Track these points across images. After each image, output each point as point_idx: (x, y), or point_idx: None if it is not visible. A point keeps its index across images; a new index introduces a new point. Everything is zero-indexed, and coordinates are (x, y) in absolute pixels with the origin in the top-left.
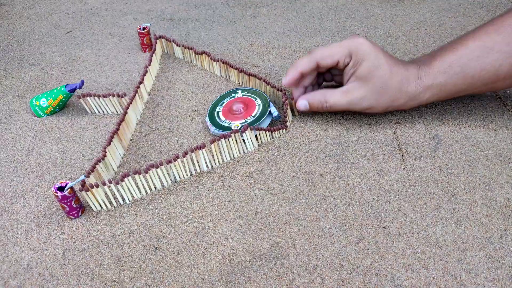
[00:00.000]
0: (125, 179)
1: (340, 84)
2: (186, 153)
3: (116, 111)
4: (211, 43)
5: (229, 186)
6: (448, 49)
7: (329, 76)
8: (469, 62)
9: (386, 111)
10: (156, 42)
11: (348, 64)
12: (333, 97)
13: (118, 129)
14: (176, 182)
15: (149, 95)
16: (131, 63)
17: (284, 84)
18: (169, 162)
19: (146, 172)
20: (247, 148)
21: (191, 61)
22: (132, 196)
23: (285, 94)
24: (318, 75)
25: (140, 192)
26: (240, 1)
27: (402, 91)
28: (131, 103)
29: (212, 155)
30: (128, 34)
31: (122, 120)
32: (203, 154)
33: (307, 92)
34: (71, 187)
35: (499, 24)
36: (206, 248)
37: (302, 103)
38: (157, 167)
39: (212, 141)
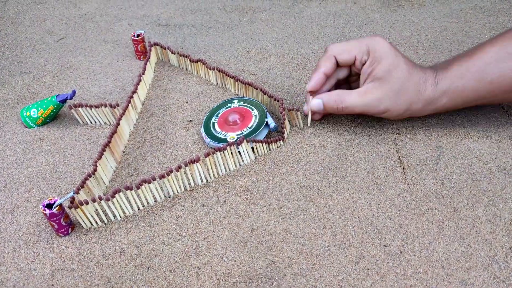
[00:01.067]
0: (116, 195)
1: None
2: (179, 167)
3: (109, 121)
4: (207, 50)
5: (225, 201)
6: (466, 54)
7: (346, 85)
8: (487, 66)
9: (403, 116)
10: (150, 50)
11: (365, 62)
12: (349, 98)
13: (109, 142)
14: (169, 197)
15: (143, 104)
16: (125, 71)
17: (309, 89)
18: (162, 176)
19: (138, 188)
20: (243, 161)
21: (186, 69)
22: (124, 212)
23: (282, 104)
24: (336, 85)
25: (132, 208)
26: (238, 6)
27: (420, 93)
28: (123, 114)
29: (207, 169)
30: (122, 41)
31: (114, 132)
32: (198, 168)
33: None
34: (60, 204)
35: None
36: (200, 268)
37: (316, 103)
38: (149, 182)
39: (207, 154)
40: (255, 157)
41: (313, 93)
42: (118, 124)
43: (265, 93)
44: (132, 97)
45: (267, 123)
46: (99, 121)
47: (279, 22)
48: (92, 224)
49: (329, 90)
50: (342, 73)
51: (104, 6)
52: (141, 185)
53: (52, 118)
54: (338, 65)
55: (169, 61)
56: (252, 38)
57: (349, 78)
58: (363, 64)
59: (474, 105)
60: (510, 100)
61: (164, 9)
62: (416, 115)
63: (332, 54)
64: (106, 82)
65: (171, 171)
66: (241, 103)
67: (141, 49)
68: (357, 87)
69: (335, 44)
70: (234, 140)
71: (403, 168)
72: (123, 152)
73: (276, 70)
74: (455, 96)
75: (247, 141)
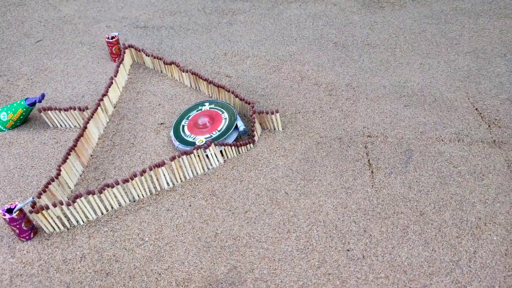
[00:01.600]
0: (78, 200)
1: None
2: (144, 171)
3: (79, 124)
4: (184, 52)
5: (190, 206)
6: None
7: None
8: None
9: None
10: (124, 52)
11: None
12: None
13: (75, 146)
14: (134, 201)
15: (114, 107)
16: (99, 73)
17: None
18: (126, 181)
19: (100, 192)
20: (211, 165)
21: (161, 71)
22: (87, 217)
23: (253, 107)
24: None
25: (95, 213)
26: (217, 8)
27: None
28: (91, 117)
29: (173, 173)
30: (99, 43)
31: (81, 135)
32: (163, 172)
33: None
34: (21, 209)
35: None
36: (160, 274)
37: None
38: (112, 187)
39: (172, 158)
40: (224, 160)
41: None
42: (85, 127)
43: (236, 96)
44: (102, 100)
45: (236, 126)
46: (69, 124)
47: (258, 24)
48: (54, 229)
49: None
50: None
51: (84, 8)
52: (104, 189)
53: (23, 121)
54: None
55: (144, 63)
56: (230, 40)
57: None
58: None
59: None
60: None
61: (143, 11)
62: None
63: None
64: (79, 84)
65: (135, 175)
66: (212, 105)
67: (116, 51)
68: None
69: None
70: (202, 143)
71: (372, 171)
72: (91, 155)
73: (252, 72)
74: None
75: (215, 145)
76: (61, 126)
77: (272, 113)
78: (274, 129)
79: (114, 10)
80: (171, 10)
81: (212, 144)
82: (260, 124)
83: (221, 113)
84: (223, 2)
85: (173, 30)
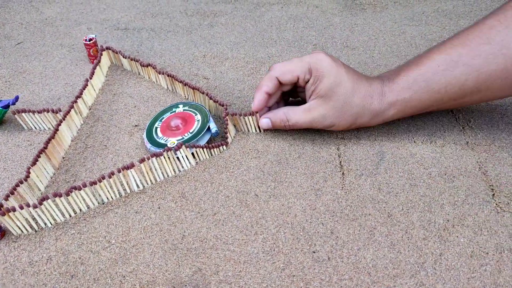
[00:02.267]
0: (45, 202)
1: (304, 101)
2: (112, 173)
3: (53, 126)
4: (163, 54)
5: (159, 208)
6: (413, 63)
7: (295, 94)
8: (434, 76)
9: (351, 128)
10: (101, 54)
11: (308, 80)
12: (295, 116)
13: (46, 148)
14: (103, 203)
15: (90, 109)
16: (77, 75)
17: (254, 109)
18: (94, 183)
19: (67, 195)
20: (182, 167)
21: (139, 73)
22: (54, 219)
23: (226, 109)
24: (284, 93)
25: (63, 215)
26: (199, 10)
27: (366, 108)
28: (64, 119)
29: (143, 175)
30: (79, 45)
31: (52, 137)
32: (133, 174)
33: (272, 109)
34: None
35: (464, 37)
36: (124, 276)
37: (265, 122)
38: (79, 189)
39: (142, 160)
40: (196, 162)
41: (260, 110)
42: (56, 129)
43: (210, 98)
44: (75, 102)
45: (209, 128)
46: (43, 127)
47: (239, 26)
48: (22, 231)
49: (277, 102)
50: (287, 87)
51: (66, 11)
52: (71, 192)
53: None
54: (281, 84)
55: (122, 65)
56: (210, 42)
57: (296, 88)
58: (307, 82)
59: (424, 113)
60: (458, 106)
61: (125, 12)
62: (365, 126)
63: (274, 75)
64: (56, 87)
65: (103, 178)
66: (186, 107)
67: (94, 53)
68: (305, 97)
69: (278, 65)
70: (173, 145)
71: (343, 173)
72: (63, 158)
73: (230, 74)
74: (403, 107)
75: (186, 147)
76: (35, 128)
77: (250, 115)
78: (248, 130)
79: (96, 12)
80: (153, 12)
81: (183, 146)
82: (234, 126)
83: (194, 115)
84: (205, 4)
85: (153, 32)
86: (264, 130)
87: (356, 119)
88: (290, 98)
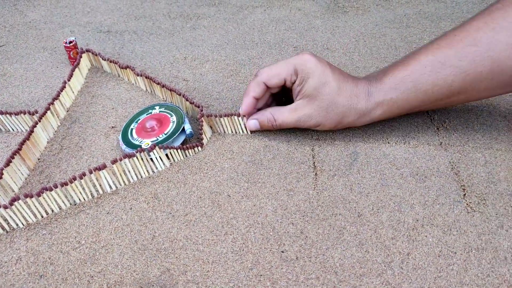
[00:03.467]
0: (16, 203)
1: (291, 101)
2: (84, 174)
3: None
4: (144, 56)
5: (131, 209)
6: (400, 64)
7: (286, 94)
8: (421, 77)
9: (337, 128)
10: (81, 57)
11: (295, 81)
12: (281, 116)
13: (20, 149)
14: (75, 204)
15: (67, 111)
16: (57, 78)
17: (242, 113)
18: (65, 184)
19: (38, 195)
20: (156, 168)
21: (118, 75)
22: (26, 220)
23: (201, 110)
24: (275, 94)
25: (35, 216)
26: (182, 13)
27: (352, 108)
28: (39, 121)
29: (116, 176)
30: (61, 48)
31: (26, 139)
32: (105, 175)
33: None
34: None
35: (451, 39)
36: (92, 277)
37: (252, 123)
38: (50, 190)
39: (114, 161)
40: (170, 163)
41: (248, 114)
42: (31, 131)
43: (186, 99)
44: (52, 103)
45: (183, 129)
46: (21, 128)
47: (221, 28)
48: None
49: (267, 104)
50: (275, 90)
51: (50, 14)
52: (42, 193)
53: None
54: (269, 88)
55: (102, 67)
56: (192, 44)
57: (287, 89)
58: (293, 83)
59: (410, 113)
60: (445, 106)
61: (109, 15)
62: (352, 125)
63: (261, 80)
64: (36, 89)
65: (74, 179)
66: (162, 109)
67: (74, 56)
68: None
69: (264, 70)
70: (147, 146)
71: (316, 173)
72: (39, 159)
73: (210, 76)
74: (390, 107)
75: (160, 148)
76: (12, 130)
77: (226, 116)
78: (224, 132)
79: (80, 15)
80: (136, 14)
81: (157, 147)
82: (211, 127)
83: (169, 116)
84: (189, 7)
85: (136, 35)
86: (246, 131)
87: (342, 119)
88: (283, 99)
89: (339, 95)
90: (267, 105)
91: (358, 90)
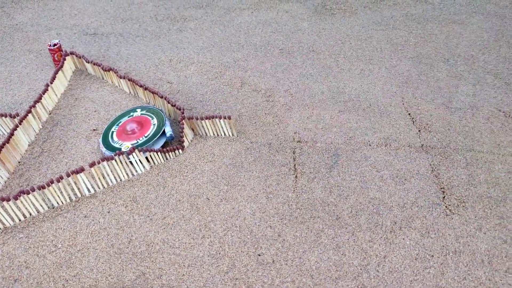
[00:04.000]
0: None
1: None
2: (61, 177)
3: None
4: (129, 58)
5: (108, 212)
6: None
7: None
8: None
9: None
10: (64, 59)
11: None
12: None
13: None
14: (53, 208)
15: (50, 114)
16: (41, 80)
17: None
18: (42, 187)
19: (15, 199)
20: (136, 171)
21: (102, 78)
22: (3, 224)
23: (183, 113)
24: None
25: (12, 219)
26: (170, 15)
27: None
28: (20, 124)
29: (94, 179)
30: (46, 50)
31: (6, 142)
32: (83, 178)
33: None
34: None
35: None
36: (67, 280)
37: None
38: (28, 193)
39: (92, 164)
40: (150, 166)
41: None
42: (11, 134)
43: (168, 102)
44: (33, 106)
45: (164, 131)
46: (2, 131)
47: (208, 31)
48: None
49: None
50: None
51: (38, 16)
52: (20, 196)
53: None
54: None
55: (86, 70)
56: (178, 46)
57: None
58: None
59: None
60: None
61: (95, 18)
62: None
63: None
64: (20, 91)
65: (52, 182)
66: (144, 111)
67: (58, 58)
68: None
69: None
70: (127, 149)
71: (296, 176)
72: (19, 162)
73: (194, 78)
74: None
75: (140, 151)
76: None
77: (207, 119)
78: (206, 134)
79: (67, 17)
80: (123, 17)
81: (136, 150)
82: (193, 130)
83: (150, 119)
84: (176, 9)
85: (122, 37)
86: (228, 133)
87: None
88: None
89: None
90: None
91: None
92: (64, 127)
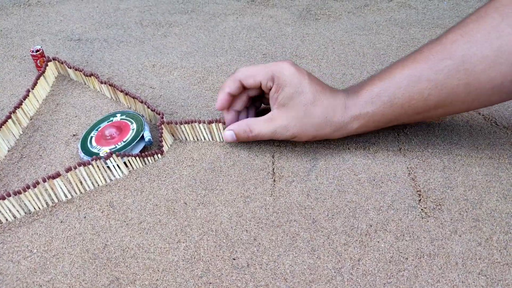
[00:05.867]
0: None
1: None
2: (37, 182)
3: None
4: (112, 64)
5: (85, 217)
6: (376, 78)
7: (264, 99)
8: (397, 91)
9: (314, 140)
10: (46, 65)
11: (271, 88)
12: (257, 127)
13: None
14: (30, 213)
15: (30, 119)
16: (24, 86)
17: (217, 108)
18: (18, 192)
19: None
20: (114, 176)
21: (85, 83)
22: None
23: (162, 117)
24: (254, 99)
25: None
26: (154, 20)
27: (328, 119)
28: None
29: (71, 184)
30: (30, 56)
31: None
32: (59, 183)
33: (240, 117)
34: None
35: (427, 52)
36: (41, 286)
37: (229, 134)
38: (3, 199)
39: (68, 169)
40: (128, 171)
41: (227, 109)
42: None
43: (148, 107)
44: (13, 112)
45: (143, 136)
46: None
47: (192, 36)
48: None
49: (246, 107)
50: (253, 92)
51: (23, 22)
52: None
53: None
54: (244, 88)
55: (69, 75)
56: (162, 52)
57: (264, 93)
58: (270, 90)
59: (387, 127)
60: (423, 119)
61: (81, 24)
62: (328, 138)
63: (237, 78)
64: (1, 98)
65: (28, 187)
66: (124, 116)
67: (41, 64)
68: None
69: (243, 68)
70: (105, 154)
71: (274, 180)
72: None
73: (177, 83)
74: (366, 121)
75: (117, 156)
76: None
77: (186, 123)
78: (186, 139)
79: (53, 23)
80: (108, 22)
81: (114, 155)
82: (172, 134)
83: (130, 124)
84: (161, 15)
85: (106, 43)
86: (207, 137)
87: (318, 131)
88: (262, 105)
89: (315, 106)
90: (246, 108)
91: (335, 102)
92: (44, 132)
